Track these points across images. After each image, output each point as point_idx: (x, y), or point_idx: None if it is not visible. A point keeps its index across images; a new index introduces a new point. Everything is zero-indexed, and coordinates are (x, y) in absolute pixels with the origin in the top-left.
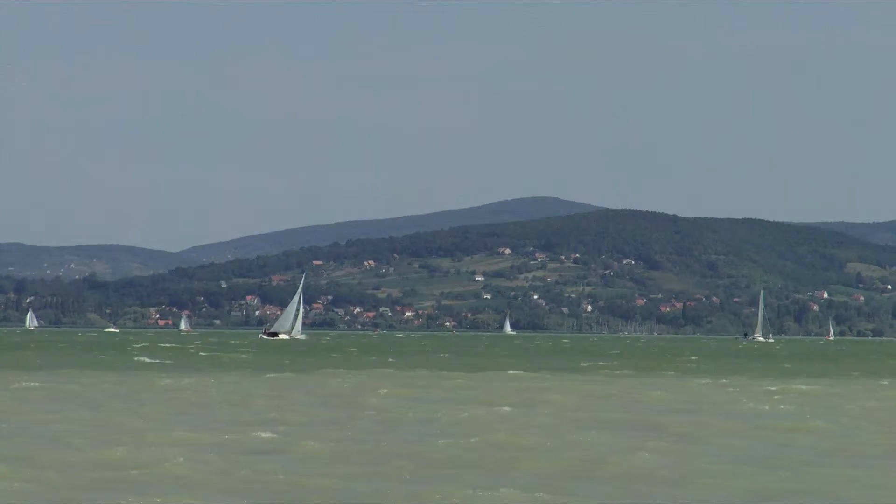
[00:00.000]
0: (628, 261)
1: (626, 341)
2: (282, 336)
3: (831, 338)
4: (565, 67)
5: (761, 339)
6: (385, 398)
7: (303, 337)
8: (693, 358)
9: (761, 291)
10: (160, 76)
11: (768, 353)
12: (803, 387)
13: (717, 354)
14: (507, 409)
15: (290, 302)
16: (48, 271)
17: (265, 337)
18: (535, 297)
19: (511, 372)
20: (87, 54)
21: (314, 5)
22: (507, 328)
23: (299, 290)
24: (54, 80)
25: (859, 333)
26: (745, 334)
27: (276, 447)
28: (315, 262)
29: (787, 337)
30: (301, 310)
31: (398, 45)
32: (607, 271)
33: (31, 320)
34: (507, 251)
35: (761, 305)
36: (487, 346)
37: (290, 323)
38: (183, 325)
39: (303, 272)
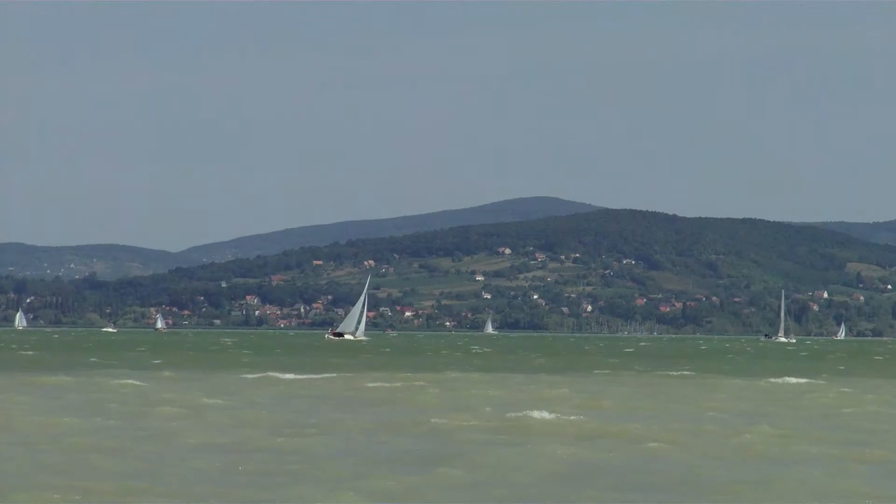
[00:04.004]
0: (628, 261)
1: (731, 344)
2: (347, 336)
3: (840, 337)
4: (565, 67)
5: (783, 339)
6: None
7: (365, 338)
8: None
9: (782, 292)
10: (160, 76)
11: None
12: None
13: None
14: None
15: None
16: (48, 271)
17: (332, 337)
18: (535, 297)
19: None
20: (88, 54)
21: (314, 5)
22: (489, 328)
23: (364, 292)
24: (54, 80)
25: (859, 333)
26: (766, 335)
27: None
28: (315, 262)
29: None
30: (365, 312)
31: (398, 45)
32: (607, 271)
33: (20, 320)
34: (507, 251)
35: (783, 306)
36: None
37: (355, 324)
38: (159, 325)
39: (367, 275)
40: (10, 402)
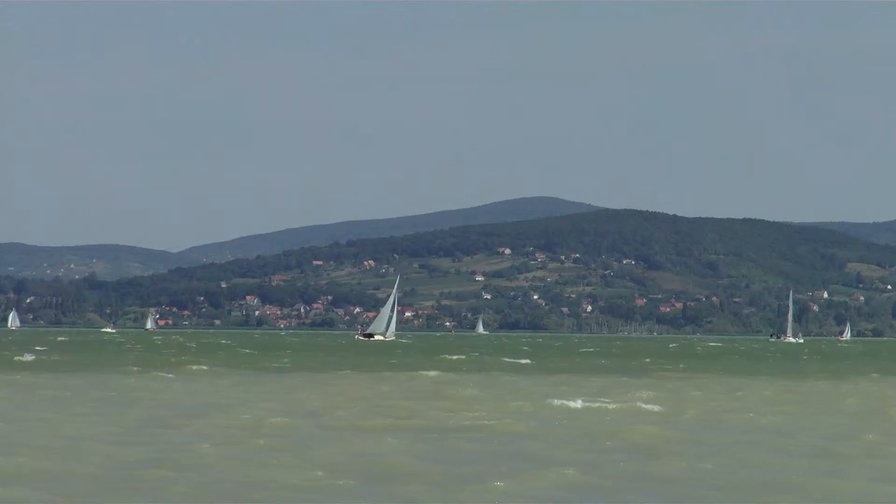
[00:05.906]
0: (628, 261)
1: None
2: (377, 337)
3: (846, 337)
4: (566, 67)
5: (791, 339)
6: None
7: (394, 339)
8: None
9: (790, 292)
10: (161, 76)
11: None
12: None
13: None
14: None
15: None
16: (48, 271)
17: (361, 338)
18: (535, 297)
19: None
20: (87, 54)
21: (315, 5)
22: (480, 328)
23: (394, 291)
24: (54, 80)
25: (859, 333)
26: (772, 335)
27: None
28: (315, 262)
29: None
30: (395, 312)
31: (398, 45)
32: (607, 271)
33: (13, 320)
34: (507, 251)
35: (791, 306)
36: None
37: (385, 324)
38: (149, 325)
39: (397, 274)
40: None
